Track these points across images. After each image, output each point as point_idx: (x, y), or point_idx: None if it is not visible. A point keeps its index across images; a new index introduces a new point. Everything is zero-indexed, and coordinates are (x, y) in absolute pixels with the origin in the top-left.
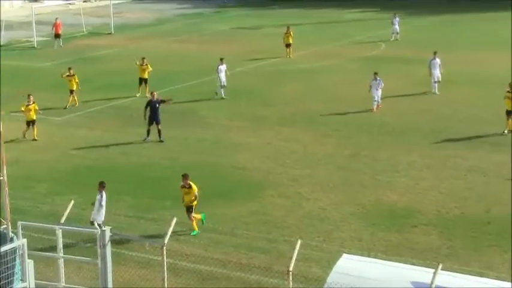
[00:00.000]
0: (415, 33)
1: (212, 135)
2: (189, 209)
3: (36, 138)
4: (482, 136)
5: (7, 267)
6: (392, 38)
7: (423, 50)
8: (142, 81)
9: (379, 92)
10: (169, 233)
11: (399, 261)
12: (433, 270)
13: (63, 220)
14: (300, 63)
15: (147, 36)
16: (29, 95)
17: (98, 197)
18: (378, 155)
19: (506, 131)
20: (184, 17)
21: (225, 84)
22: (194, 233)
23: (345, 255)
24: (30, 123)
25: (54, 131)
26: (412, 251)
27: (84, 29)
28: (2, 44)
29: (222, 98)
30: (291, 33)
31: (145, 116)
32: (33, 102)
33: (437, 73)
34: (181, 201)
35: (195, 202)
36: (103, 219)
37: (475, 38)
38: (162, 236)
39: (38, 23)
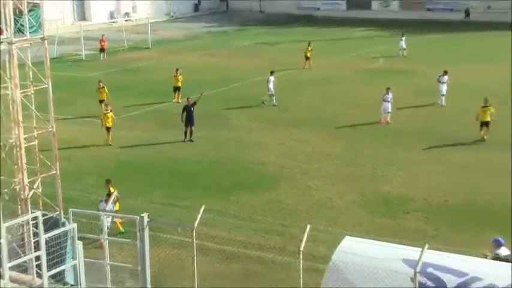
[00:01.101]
0: (409, 49)
1: (235, 136)
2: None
3: (111, 143)
4: (465, 137)
5: (60, 248)
6: (400, 54)
7: (416, 64)
8: (176, 89)
9: (389, 105)
10: (198, 218)
11: (393, 242)
12: (420, 249)
13: (107, 208)
14: (314, 74)
15: (179, 50)
16: (106, 104)
17: (111, 206)
18: (378, 153)
19: (484, 138)
20: (211, 34)
21: (273, 93)
22: (123, 231)
23: (347, 237)
24: (109, 129)
25: (100, 132)
26: (403, 233)
27: (126, 44)
28: (55, 56)
29: (274, 105)
30: (310, 47)
31: (182, 119)
32: (111, 111)
33: (444, 88)
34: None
35: (117, 207)
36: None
37: (458, 54)
38: (192, 221)
39: (86, 38)
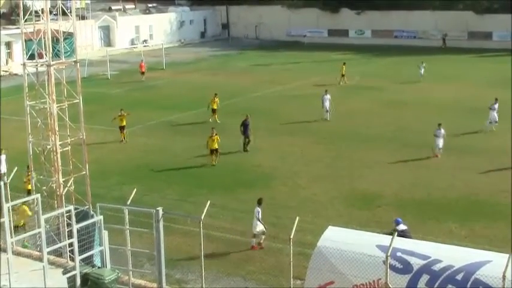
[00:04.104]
0: (379, 69)
1: (236, 142)
2: None
3: (214, 163)
4: (426, 143)
5: (89, 236)
6: (420, 79)
7: (386, 81)
8: (214, 111)
9: (441, 140)
10: (205, 211)
11: (368, 231)
12: (391, 236)
13: (128, 202)
14: (299, 90)
15: (188, 70)
16: (212, 128)
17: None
18: (354, 156)
19: None
20: (215, 57)
21: (328, 109)
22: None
23: (330, 227)
24: (214, 151)
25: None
26: (377, 223)
27: None
28: (85, 76)
29: (327, 120)
30: (345, 67)
31: (241, 131)
32: (216, 134)
33: (494, 115)
34: None
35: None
36: (257, 229)
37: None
38: (199, 214)
39: (111, 61)
